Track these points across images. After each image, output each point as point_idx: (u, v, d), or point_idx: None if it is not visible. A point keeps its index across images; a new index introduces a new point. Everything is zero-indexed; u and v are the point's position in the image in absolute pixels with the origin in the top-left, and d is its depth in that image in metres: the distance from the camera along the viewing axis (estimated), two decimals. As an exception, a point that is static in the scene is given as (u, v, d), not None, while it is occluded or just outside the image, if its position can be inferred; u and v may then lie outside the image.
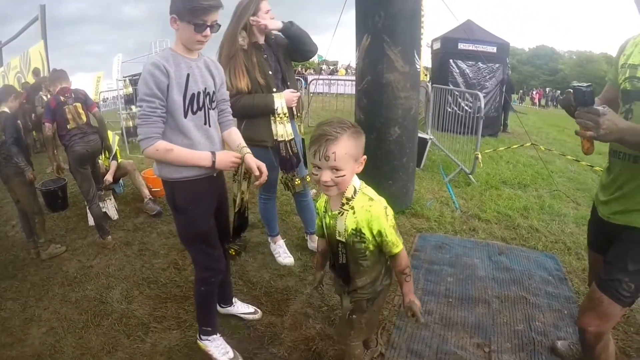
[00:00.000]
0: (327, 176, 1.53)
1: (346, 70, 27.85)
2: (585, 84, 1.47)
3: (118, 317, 2.74)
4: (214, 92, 2.08)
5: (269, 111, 2.86)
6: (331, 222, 1.71)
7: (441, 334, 2.50)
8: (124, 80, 9.33)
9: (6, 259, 3.74)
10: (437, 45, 11.52)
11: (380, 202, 1.65)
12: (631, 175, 1.63)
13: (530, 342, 2.44)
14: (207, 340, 2.33)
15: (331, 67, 28.76)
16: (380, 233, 1.62)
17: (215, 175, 2.10)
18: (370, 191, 1.67)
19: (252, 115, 2.89)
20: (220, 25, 1.97)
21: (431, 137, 6.96)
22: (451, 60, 10.74)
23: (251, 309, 2.71)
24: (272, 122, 2.88)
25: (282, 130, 2.90)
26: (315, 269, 2.14)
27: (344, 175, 1.54)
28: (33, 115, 7.54)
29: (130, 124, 8.91)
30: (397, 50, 4.02)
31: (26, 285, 3.24)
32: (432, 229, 4.08)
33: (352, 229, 1.64)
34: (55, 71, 4.27)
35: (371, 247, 1.67)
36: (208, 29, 1.89)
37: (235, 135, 2.28)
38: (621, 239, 1.67)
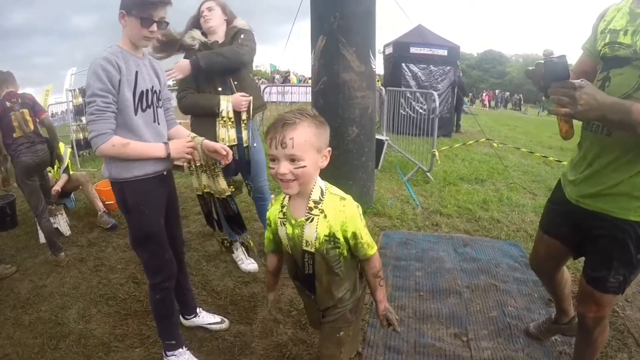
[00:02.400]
0: (285, 167, 1.34)
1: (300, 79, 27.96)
2: (557, 55, 1.31)
3: (76, 338, 2.56)
4: (160, 91, 2.08)
5: (213, 113, 2.82)
6: (296, 231, 1.50)
7: (417, 327, 2.50)
8: (74, 91, 8.91)
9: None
10: (389, 50, 11.73)
11: (351, 200, 1.48)
12: (601, 150, 1.52)
13: (506, 327, 2.48)
14: (172, 355, 2.21)
15: (284, 77, 28.84)
16: (355, 235, 1.46)
17: (165, 173, 2.08)
18: (337, 190, 1.51)
19: (198, 115, 2.91)
20: (168, 23, 1.98)
21: (387, 138, 7.03)
22: (403, 64, 10.96)
23: (217, 318, 2.60)
24: (217, 123, 2.84)
25: (225, 134, 2.85)
26: (267, 290, 1.94)
27: (305, 167, 1.35)
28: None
29: (81, 136, 8.52)
30: (352, 50, 4.07)
31: (-26, 308, 2.99)
32: (395, 227, 4.09)
33: (325, 236, 1.45)
34: (1, 73, 3.91)
35: (345, 252, 1.51)
36: (155, 24, 1.88)
37: (182, 130, 2.28)
38: (600, 233, 1.60)
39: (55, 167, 4.71)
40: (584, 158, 1.61)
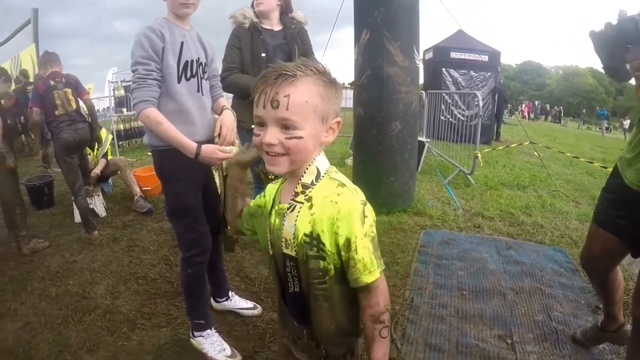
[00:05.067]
0: (272, 135, 0.95)
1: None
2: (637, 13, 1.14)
3: (101, 313, 2.53)
4: (206, 64, 2.06)
5: (250, 95, 2.74)
6: (276, 221, 1.08)
7: (459, 326, 2.38)
8: (117, 82, 9.18)
9: (-17, 253, 3.52)
10: (429, 55, 11.59)
11: (356, 193, 1.03)
12: None
13: (552, 331, 2.36)
14: (200, 336, 2.14)
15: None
16: (348, 244, 0.97)
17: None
18: (341, 177, 1.07)
19: (238, 94, 2.87)
20: None
21: (428, 140, 6.90)
22: (444, 69, 10.80)
23: (250, 304, 2.52)
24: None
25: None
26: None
27: (301, 138, 0.96)
28: (22, 117, 7.27)
29: (122, 127, 8.73)
30: (396, 45, 4.02)
31: (4, 279, 3.02)
32: (436, 227, 3.97)
33: (305, 234, 1.01)
34: (46, 53, 3.99)
35: (332, 269, 1.02)
36: None
37: (222, 102, 2.23)
38: None
39: (95, 150, 4.78)
40: None
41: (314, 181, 1.03)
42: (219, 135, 2.02)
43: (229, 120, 2.07)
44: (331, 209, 0.98)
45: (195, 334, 2.15)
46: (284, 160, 0.98)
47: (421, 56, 12.14)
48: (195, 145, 1.87)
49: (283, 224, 1.05)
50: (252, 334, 2.32)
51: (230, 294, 2.52)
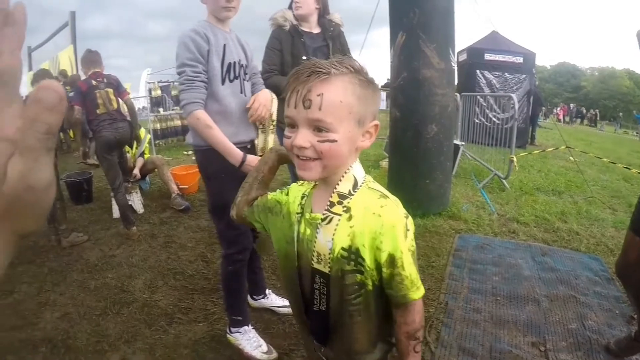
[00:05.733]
0: (304, 138, 0.88)
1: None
2: None
3: (140, 306, 2.61)
4: (246, 66, 2.09)
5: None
6: (307, 231, 1.00)
7: (493, 332, 2.37)
8: (154, 83, 9.40)
9: (25, 245, 3.62)
10: (463, 57, 11.39)
11: (399, 205, 0.96)
12: None
13: (586, 341, 2.32)
14: (237, 332, 2.19)
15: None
16: (392, 260, 0.91)
17: (248, 146, 2.10)
18: (380, 187, 1.00)
19: (278, 96, 2.87)
20: None
21: (462, 143, 6.81)
22: (478, 71, 10.60)
23: (286, 302, 2.54)
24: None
25: (262, 140, 2.73)
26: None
27: (335, 142, 0.88)
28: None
29: (158, 126, 8.92)
30: (432, 47, 3.99)
31: (44, 270, 3.15)
32: (470, 231, 3.93)
33: (343, 248, 0.94)
34: (89, 53, 4.07)
35: (370, 284, 0.96)
36: None
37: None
38: None
39: (134, 148, 4.91)
40: None
41: (352, 190, 0.95)
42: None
43: (263, 96, 2.09)
44: (374, 222, 0.92)
45: (232, 329, 2.20)
46: (316, 165, 0.91)
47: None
48: (241, 154, 1.91)
49: (316, 237, 0.97)
50: (287, 332, 2.35)
51: (267, 291, 2.56)
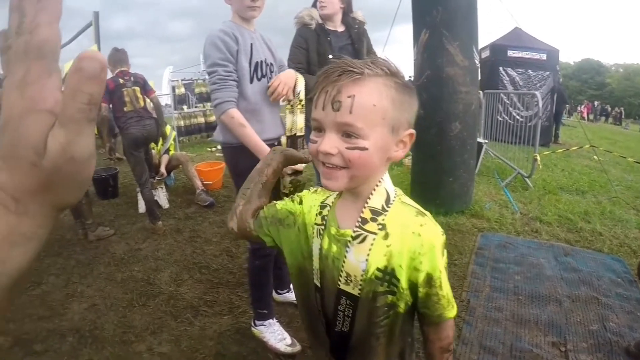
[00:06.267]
0: (330, 143, 0.79)
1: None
2: None
3: (165, 298, 2.68)
4: (272, 64, 2.11)
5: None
6: (333, 247, 0.91)
7: (514, 331, 2.38)
8: (178, 81, 9.53)
9: (52, 238, 3.73)
10: (485, 54, 11.25)
11: (435, 222, 0.90)
12: None
13: (606, 342, 2.31)
14: (262, 325, 2.23)
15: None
16: (430, 280, 0.86)
17: (276, 143, 2.12)
18: (411, 201, 0.93)
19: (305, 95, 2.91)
20: None
21: (486, 141, 6.76)
22: (501, 68, 10.46)
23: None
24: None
25: (290, 121, 2.27)
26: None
27: (365, 149, 0.79)
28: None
29: (182, 123, 9.05)
30: (455, 45, 3.99)
31: (71, 262, 3.24)
32: (493, 229, 3.92)
33: (379, 269, 0.86)
34: (116, 51, 4.12)
35: (402, 306, 0.89)
36: None
37: None
38: None
39: (159, 144, 5.01)
40: None
41: (385, 206, 0.88)
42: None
43: (284, 74, 2.07)
44: (413, 242, 0.85)
45: (257, 322, 2.24)
46: (343, 174, 0.82)
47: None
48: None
49: (346, 256, 0.88)
50: (310, 326, 2.40)
51: (291, 286, 2.59)
